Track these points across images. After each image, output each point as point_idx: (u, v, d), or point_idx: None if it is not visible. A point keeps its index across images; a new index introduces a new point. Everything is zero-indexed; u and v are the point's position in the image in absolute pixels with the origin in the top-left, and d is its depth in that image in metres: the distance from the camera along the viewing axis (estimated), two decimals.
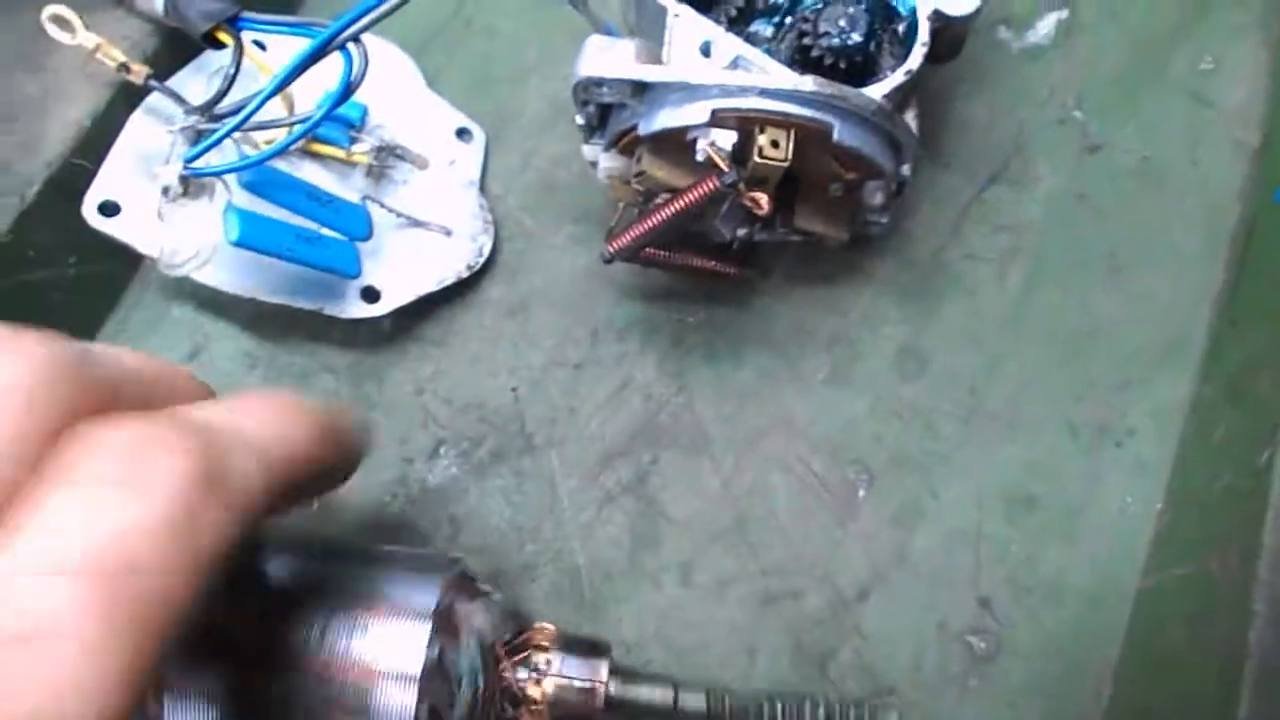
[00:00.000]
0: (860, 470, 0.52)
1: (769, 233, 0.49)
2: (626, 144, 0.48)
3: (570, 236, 0.56)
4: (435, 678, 0.36)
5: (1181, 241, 0.55)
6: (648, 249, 0.48)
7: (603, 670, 0.42)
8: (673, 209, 0.45)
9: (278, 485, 0.26)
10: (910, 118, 0.48)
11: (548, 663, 0.41)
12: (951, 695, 0.49)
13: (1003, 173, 0.56)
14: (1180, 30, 0.59)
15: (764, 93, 0.42)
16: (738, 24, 0.48)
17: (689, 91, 0.43)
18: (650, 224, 0.46)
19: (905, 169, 0.47)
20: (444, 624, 0.37)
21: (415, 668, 0.35)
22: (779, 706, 0.44)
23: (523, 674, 0.41)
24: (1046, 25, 0.59)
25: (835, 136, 0.43)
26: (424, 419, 0.53)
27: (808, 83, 0.42)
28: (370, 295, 0.52)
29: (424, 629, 0.36)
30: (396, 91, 0.56)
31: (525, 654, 0.41)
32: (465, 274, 0.54)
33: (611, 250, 0.47)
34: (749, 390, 0.54)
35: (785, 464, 0.52)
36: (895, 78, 0.45)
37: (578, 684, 0.41)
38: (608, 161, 0.49)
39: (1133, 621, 0.49)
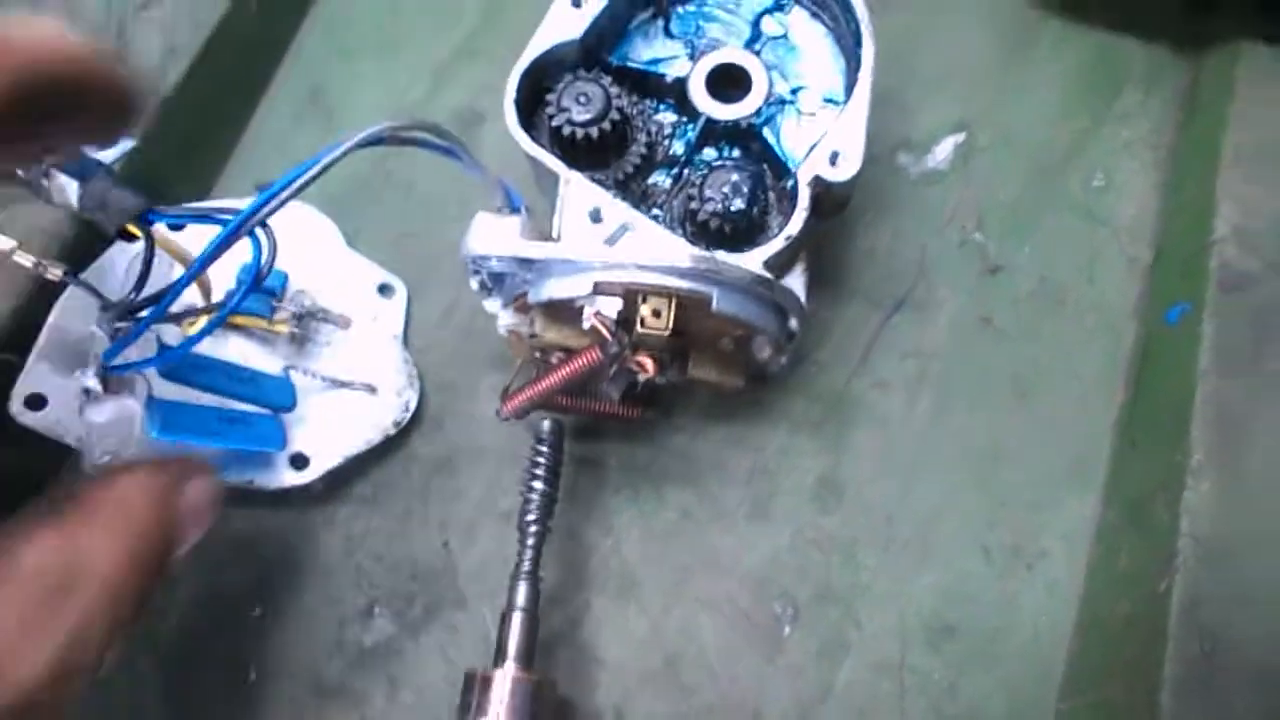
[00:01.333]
0: (786, 604, 0.54)
1: (665, 379, 0.51)
2: (521, 305, 0.49)
3: (492, 386, 0.57)
4: None
5: (1082, 361, 0.56)
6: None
7: None
8: (561, 375, 0.48)
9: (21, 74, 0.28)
10: (798, 273, 0.49)
11: None
12: None
13: (908, 299, 0.58)
14: (1072, 148, 0.61)
15: (642, 266, 0.44)
16: (638, 177, 0.50)
17: (574, 263, 0.45)
18: (541, 387, 0.49)
19: (793, 323, 0.49)
20: None
21: None
22: None
23: None
24: (944, 150, 0.61)
25: (714, 306, 0.44)
26: (356, 579, 0.54)
27: (684, 257, 0.44)
28: (299, 462, 0.54)
29: None
30: (316, 253, 0.58)
31: None
32: (393, 431, 0.56)
33: (506, 411, 0.50)
34: (673, 530, 0.55)
35: (712, 602, 0.54)
36: (775, 242, 0.46)
37: None
38: (507, 318, 0.51)
39: None
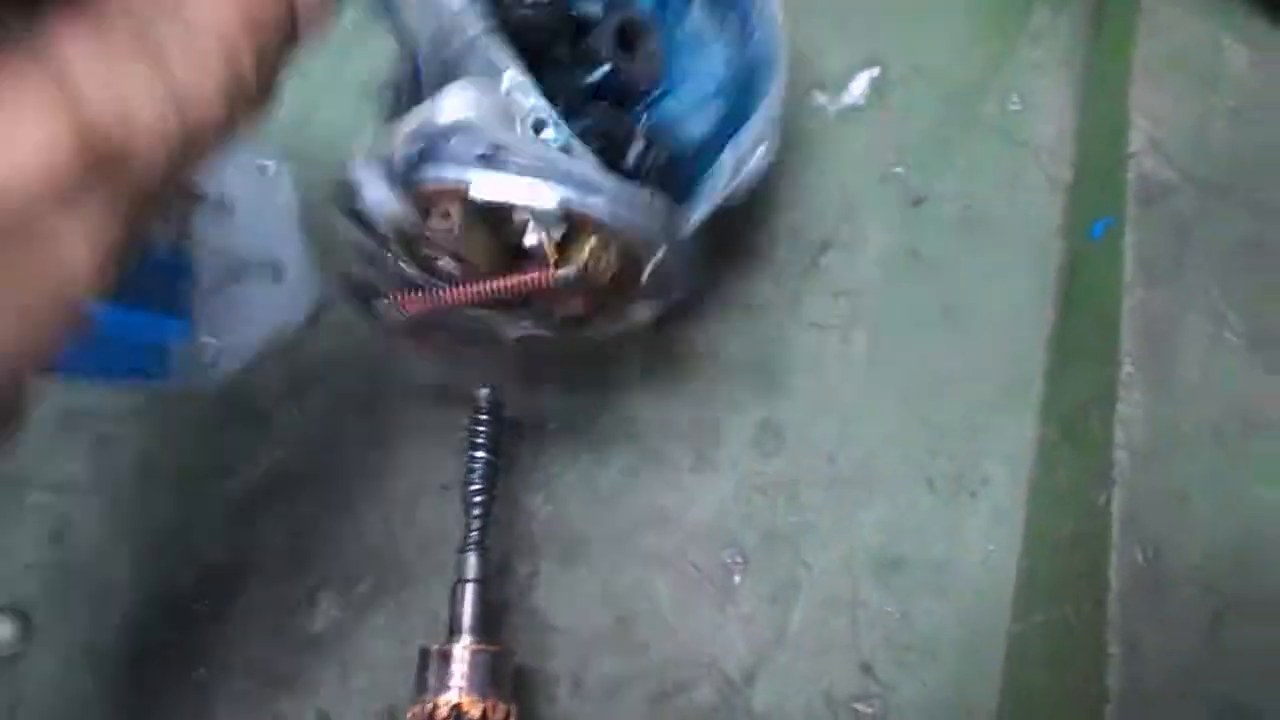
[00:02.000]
0: (734, 552, 0.53)
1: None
2: (431, 195, 0.42)
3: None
4: None
5: (1011, 285, 0.56)
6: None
7: None
8: (489, 287, 0.42)
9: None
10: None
11: None
12: None
13: (834, 238, 0.58)
14: (986, 74, 0.61)
15: (613, 199, 0.41)
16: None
17: (540, 170, 0.40)
18: (456, 297, 0.43)
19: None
20: None
21: None
22: None
23: None
24: (859, 85, 0.61)
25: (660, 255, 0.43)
26: (301, 564, 0.53)
27: (649, 198, 0.42)
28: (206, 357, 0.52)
29: None
30: None
31: None
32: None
33: (407, 313, 0.43)
34: (617, 489, 0.55)
35: (661, 558, 0.53)
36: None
37: None
38: (392, 205, 0.42)
39: (1005, 669, 0.50)
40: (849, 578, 0.53)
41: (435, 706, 0.45)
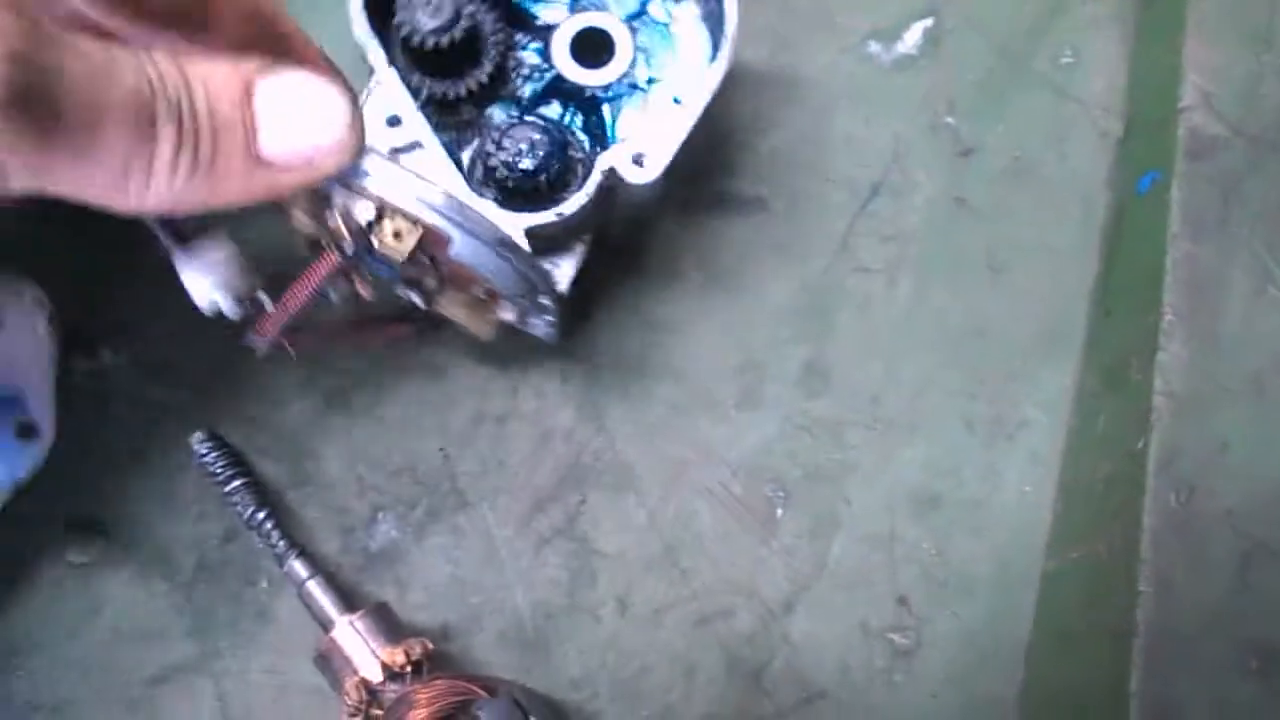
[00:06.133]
0: (777, 488, 0.55)
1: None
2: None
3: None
4: None
5: (1056, 236, 0.58)
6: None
7: None
8: (302, 286, 0.45)
9: None
10: (575, 252, 0.50)
11: None
12: (878, 692, 0.52)
13: (883, 184, 0.59)
14: (1039, 27, 0.61)
15: (396, 185, 0.43)
16: (471, 102, 0.50)
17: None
18: (288, 304, 0.45)
19: (543, 299, 0.49)
20: None
21: None
22: None
23: None
24: (914, 35, 0.61)
25: (452, 250, 0.44)
26: (359, 488, 0.56)
27: (436, 194, 0.43)
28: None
29: None
30: None
31: None
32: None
33: (260, 338, 0.46)
34: (665, 423, 0.56)
35: (707, 490, 0.55)
36: (544, 215, 0.46)
37: None
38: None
39: (1038, 606, 0.52)
40: (888, 514, 0.54)
41: (362, 681, 0.47)
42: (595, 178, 0.47)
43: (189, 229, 0.47)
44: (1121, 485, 0.49)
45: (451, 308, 0.50)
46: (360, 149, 0.29)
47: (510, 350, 0.56)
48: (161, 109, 0.25)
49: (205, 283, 0.47)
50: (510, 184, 0.48)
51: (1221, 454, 0.48)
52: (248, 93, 0.27)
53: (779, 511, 0.55)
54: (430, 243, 0.44)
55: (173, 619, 0.54)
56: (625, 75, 0.50)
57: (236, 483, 0.52)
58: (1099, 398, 0.53)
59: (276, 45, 0.31)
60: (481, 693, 0.46)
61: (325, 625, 0.50)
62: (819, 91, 0.59)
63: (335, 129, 0.28)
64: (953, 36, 0.61)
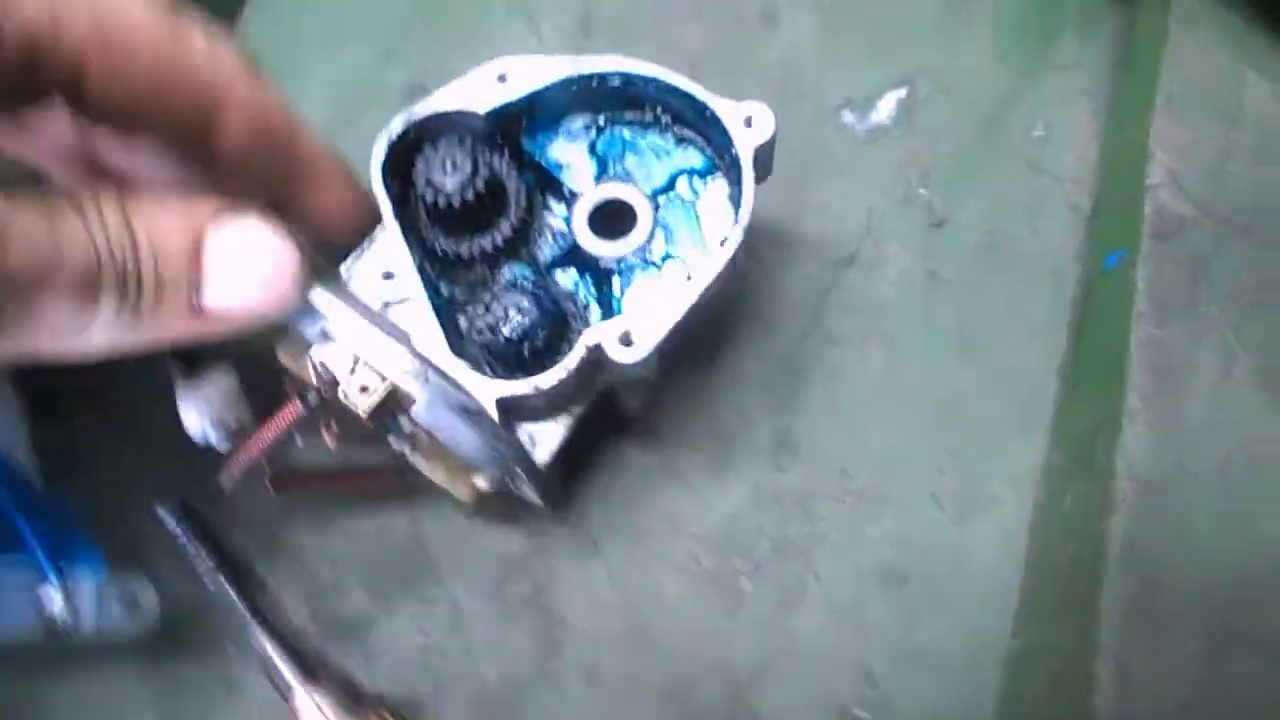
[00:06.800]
0: (745, 559, 0.55)
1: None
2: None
3: None
4: None
5: (1028, 310, 0.58)
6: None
7: None
8: (267, 431, 0.46)
9: None
10: (559, 423, 0.48)
11: None
12: None
13: (856, 255, 0.59)
14: (1012, 98, 0.62)
15: (364, 338, 0.43)
16: (486, 261, 0.49)
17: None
18: (252, 447, 0.46)
19: (518, 470, 0.47)
20: None
21: None
22: None
23: None
24: (887, 105, 0.62)
25: (414, 410, 0.44)
26: (329, 557, 0.56)
27: (405, 351, 0.43)
28: None
29: None
30: None
31: None
32: None
33: (229, 479, 0.47)
34: (633, 493, 0.56)
35: (674, 562, 0.55)
36: (517, 385, 0.44)
37: None
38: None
39: (1004, 685, 0.52)
40: (856, 588, 0.54)
41: None
42: (579, 352, 0.45)
43: (199, 354, 0.47)
44: (1085, 567, 0.49)
45: (432, 468, 0.50)
46: (301, 301, 0.30)
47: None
48: (107, 278, 0.25)
49: (199, 416, 0.47)
50: (491, 349, 0.46)
51: (1186, 539, 0.48)
52: (197, 248, 0.27)
53: (746, 584, 0.55)
54: (397, 401, 0.44)
55: (135, 687, 0.54)
56: (641, 249, 0.49)
57: (203, 551, 0.52)
58: (1066, 476, 0.53)
59: (288, 167, 0.31)
60: None
61: (285, 695, 0.49)
62: (793, 161, 0.60)
63: (278, 285, 0.28)
64: (926, 106, 0.62)
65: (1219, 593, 0.47)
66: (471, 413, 0.44)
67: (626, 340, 0.45)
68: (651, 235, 0.50)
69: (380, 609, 0.55)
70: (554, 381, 0.44)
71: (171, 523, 0.52)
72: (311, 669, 0.51)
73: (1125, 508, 0.49)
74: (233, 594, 0.51)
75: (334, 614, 0.55)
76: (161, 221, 0.26)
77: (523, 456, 0.46)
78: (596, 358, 0.45)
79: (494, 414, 0.44)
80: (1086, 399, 0.54)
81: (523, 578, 0.55)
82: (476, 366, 0.46)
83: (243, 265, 0.28)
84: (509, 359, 0.46)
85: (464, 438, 0.45)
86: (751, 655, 0.54)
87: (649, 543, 0.56)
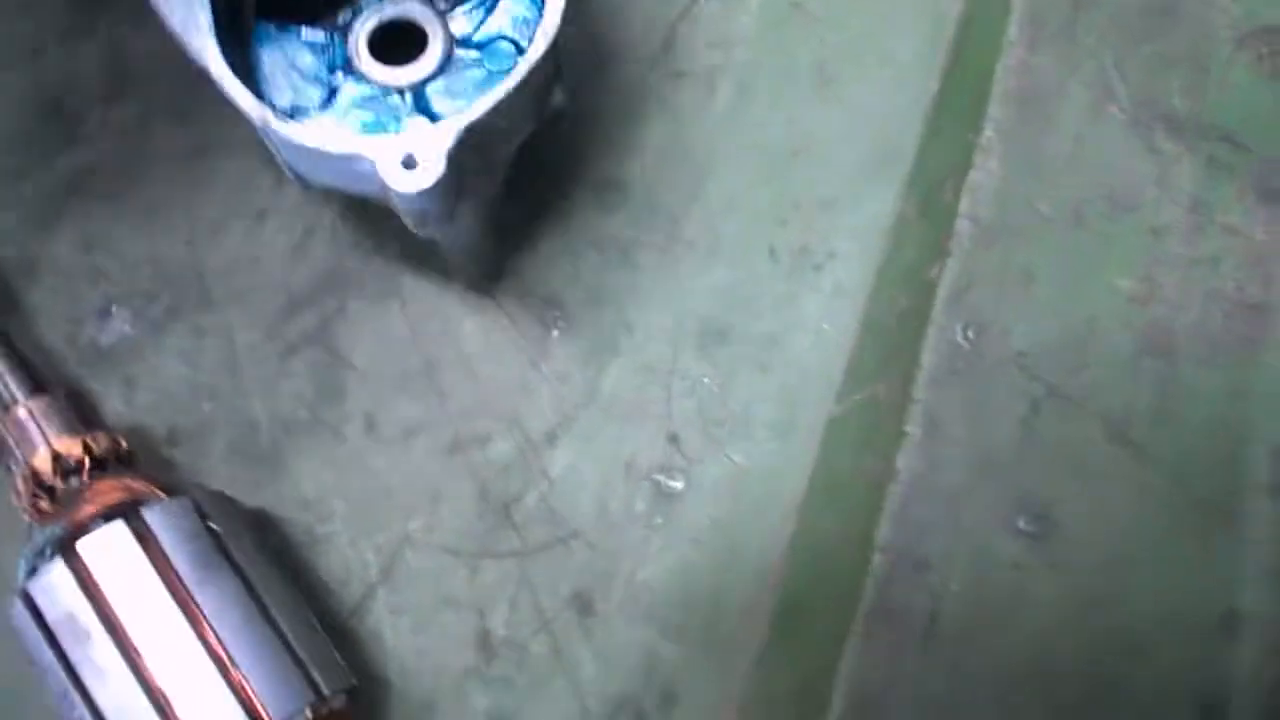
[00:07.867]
0: (554, 308, 0.49)
1: None
2: None
3: None
4: None
5: (897, 48, 0.50)
6: None
7: None
8: None
9: None
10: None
11: None
12: (635, 535, 0.47)
13: None
14: None
15: None
16: None
17: None
18: None
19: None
20: None
21: None
22: None
23: None
24: None
25: None
26: (94, 276, 0.50)
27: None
28: None
29: None
30: None
31: None
32: None
33: None
34: None
35: (478, 306, 0.50)
36: None
37: None
38: None
39: (818, 454, 0.46)
40: (671, 344, 0.49)
41: (33, 472, 0.42)
42: None
43: None
44: (910, 319, 0.43)
45: None
46: None
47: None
48: None
49: None
50: None
51: (1023, 288, 0.42)
52: None
53: (554, 334, 0.49)
54: None
55: None
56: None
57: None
58: (912, 225, 0.47)
59: None
60: (160, 494, 0.41)
61: (7, 407, 0.44)
62: None
63: None
64: None
65: (1051, 346, 0.41)
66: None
67: (408, 162, 0.37)
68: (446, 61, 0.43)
69: (146, 336, 0.50)
70: None
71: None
72: (40, 384, 0.46)
73: (960, 252, 0.42)
74: None
75: (94, 339, 0.49)
76: None
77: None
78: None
79: None
80: (944, 139, 0.47)
81: (309, 312, 0.50)
82: None
83: None
84: None
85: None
86: (550, 412, 0.48)
87: (452, 284, 0.50)
